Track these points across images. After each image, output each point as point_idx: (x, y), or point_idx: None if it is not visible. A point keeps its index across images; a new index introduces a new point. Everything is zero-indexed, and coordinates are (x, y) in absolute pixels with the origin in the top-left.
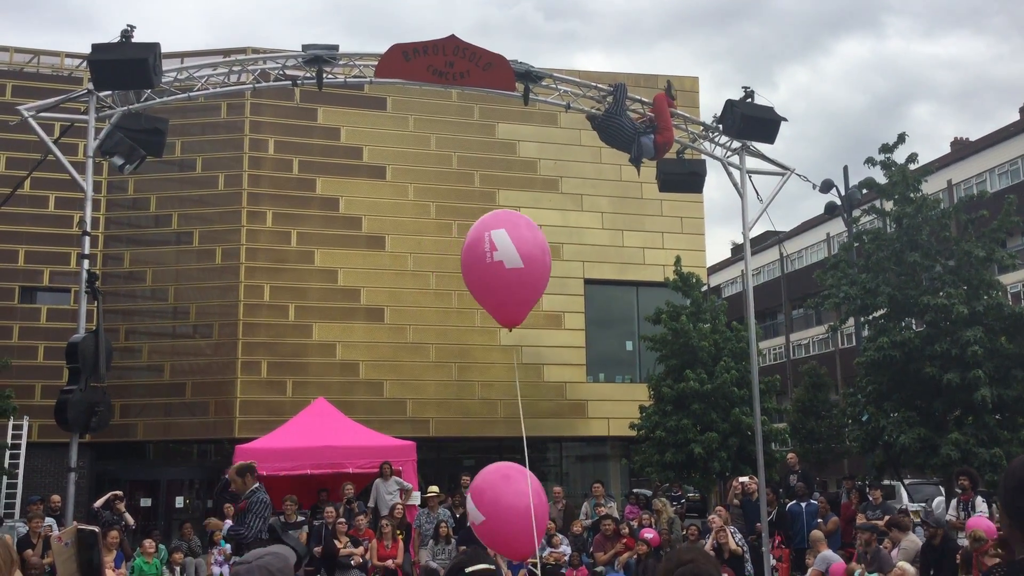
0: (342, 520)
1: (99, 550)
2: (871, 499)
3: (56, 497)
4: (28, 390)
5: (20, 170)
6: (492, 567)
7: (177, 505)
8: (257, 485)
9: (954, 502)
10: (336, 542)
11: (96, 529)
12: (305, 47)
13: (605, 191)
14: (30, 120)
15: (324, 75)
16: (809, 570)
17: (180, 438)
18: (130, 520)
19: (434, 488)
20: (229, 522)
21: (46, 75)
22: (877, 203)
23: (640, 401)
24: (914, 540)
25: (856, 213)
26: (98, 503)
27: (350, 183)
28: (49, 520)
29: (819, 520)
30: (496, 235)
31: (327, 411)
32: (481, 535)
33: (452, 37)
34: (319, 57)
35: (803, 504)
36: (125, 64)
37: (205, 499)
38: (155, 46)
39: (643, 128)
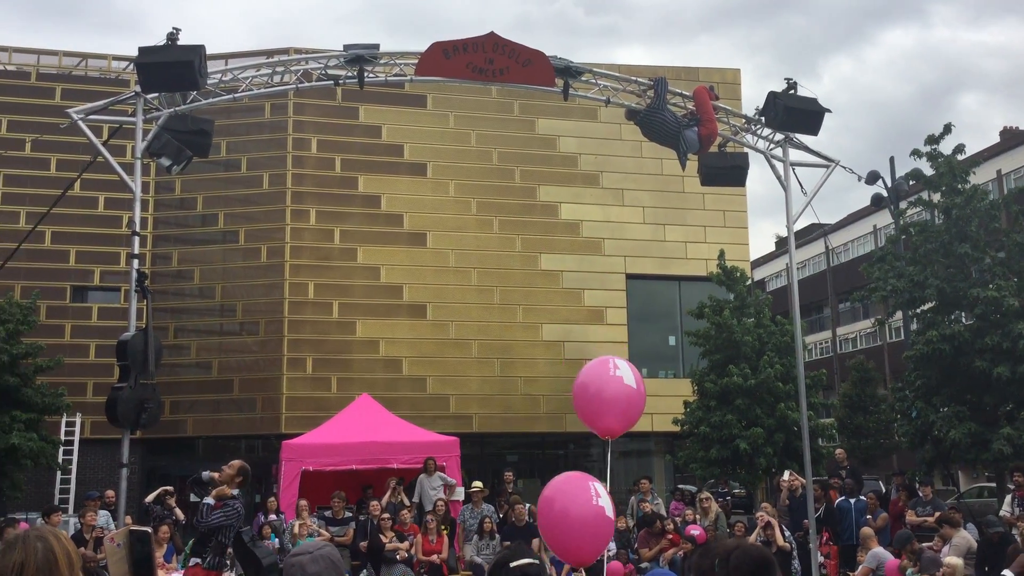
0: (386, 515)
1: (151, 550)
2: (921, 495)
3: (111, 492)
4: (80, 387)
5: (70, 172)
6: (536, 561)
7: None
8: (237, 492)
9: (1008, 498)
10: (382, 536)
11: (148, 529)
12: (346, 47)
13: (646, 185)
14: (79, 123)
15: (365, 74)
16: (860, 567)
17: (228, 434)
18: (180, 515)
19: (478, 483)
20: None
21: (94, 78)
22: (924, 195)
23: (683, 396)
24: (966, 536)
25: (903, 205)
26: (149, 498)
27: (391, 180)
28: (104, 513)
29: (868, 517)
30: (619, 360)
31: (371, 407)
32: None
33: (491, 34)
34: (360, 56)
35: (852, 501)
36: (171, 66)
37: (253, 494)
38: (200, 48)
39: (686, 122)
